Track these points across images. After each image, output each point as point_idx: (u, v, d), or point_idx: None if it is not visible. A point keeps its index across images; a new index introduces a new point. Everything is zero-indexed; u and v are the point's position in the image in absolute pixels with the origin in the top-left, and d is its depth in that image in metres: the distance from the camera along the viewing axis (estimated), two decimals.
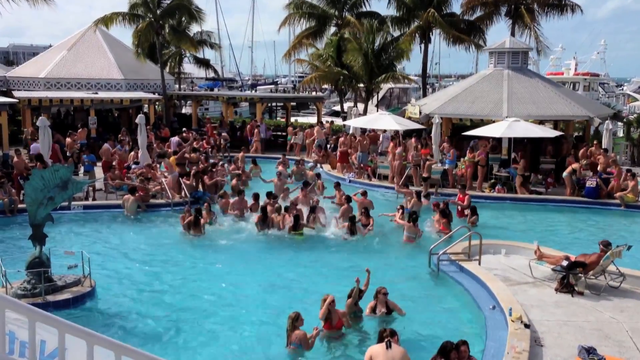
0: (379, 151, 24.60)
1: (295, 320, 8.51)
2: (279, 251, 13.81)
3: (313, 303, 9.57)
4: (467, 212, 16.08)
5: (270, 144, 29.17)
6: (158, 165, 19.77)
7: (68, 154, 21.25)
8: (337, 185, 18.01)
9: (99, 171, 19.92)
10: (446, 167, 20.52)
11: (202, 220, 14.80)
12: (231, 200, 16.86)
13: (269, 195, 16.32)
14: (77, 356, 4.03)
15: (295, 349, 8.44)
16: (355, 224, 14.76)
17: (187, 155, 19.91)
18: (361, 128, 24.72)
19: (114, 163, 19.78)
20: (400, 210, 15.72)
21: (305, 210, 15.56)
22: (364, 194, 16.66)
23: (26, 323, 3.86)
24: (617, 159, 21.84)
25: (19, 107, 27.73)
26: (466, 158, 20.22)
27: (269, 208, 15.42)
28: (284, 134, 30.77)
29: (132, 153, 21.22)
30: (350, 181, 21.57)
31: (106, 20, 29.01)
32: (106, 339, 4.24)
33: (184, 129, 27.24)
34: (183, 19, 32.84)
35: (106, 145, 20.17)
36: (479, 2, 32.19)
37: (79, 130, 23.94)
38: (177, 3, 29.92)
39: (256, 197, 16.50)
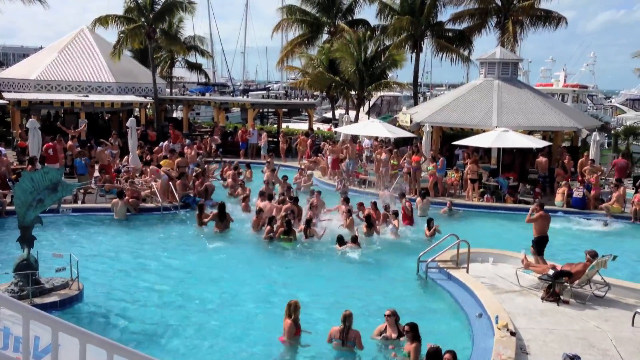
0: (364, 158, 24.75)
1: (350, 317, 8.60)
2: (271, 256, 13.92)
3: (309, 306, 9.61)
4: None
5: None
6: (148, 169, 19.71)
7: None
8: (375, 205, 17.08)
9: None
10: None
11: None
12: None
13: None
14: (70, 354, 4.07)
15: (351, 347, 8.60)
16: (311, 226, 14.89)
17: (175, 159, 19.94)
18: (352, 135, 24.85)
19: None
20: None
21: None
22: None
23: (20, 320, 3.92)
24: (603, 169, 22.07)
25: (8, 108, 27.58)
26: (430, 168, 20.32)
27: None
28: (275, 140, 30.78)
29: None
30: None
31: (102, 21, 29.08)
32: (99, 337, 4.28)
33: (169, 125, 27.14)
34: (175, 19, 32.71)
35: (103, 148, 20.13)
36: (467, 13, 32.56)
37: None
38: (169, 3, 29.88)
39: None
